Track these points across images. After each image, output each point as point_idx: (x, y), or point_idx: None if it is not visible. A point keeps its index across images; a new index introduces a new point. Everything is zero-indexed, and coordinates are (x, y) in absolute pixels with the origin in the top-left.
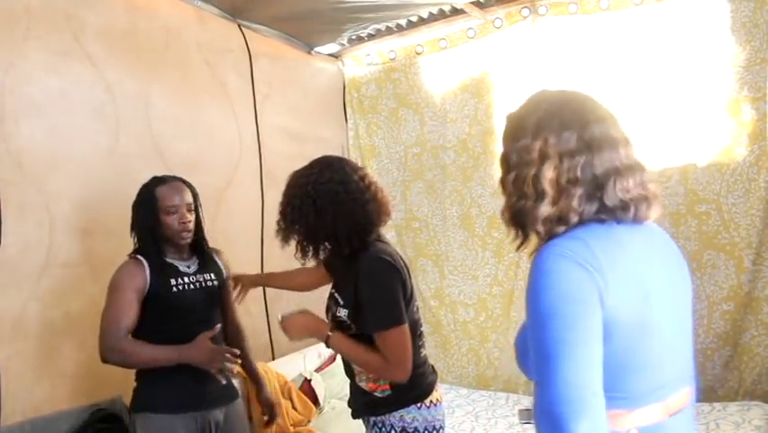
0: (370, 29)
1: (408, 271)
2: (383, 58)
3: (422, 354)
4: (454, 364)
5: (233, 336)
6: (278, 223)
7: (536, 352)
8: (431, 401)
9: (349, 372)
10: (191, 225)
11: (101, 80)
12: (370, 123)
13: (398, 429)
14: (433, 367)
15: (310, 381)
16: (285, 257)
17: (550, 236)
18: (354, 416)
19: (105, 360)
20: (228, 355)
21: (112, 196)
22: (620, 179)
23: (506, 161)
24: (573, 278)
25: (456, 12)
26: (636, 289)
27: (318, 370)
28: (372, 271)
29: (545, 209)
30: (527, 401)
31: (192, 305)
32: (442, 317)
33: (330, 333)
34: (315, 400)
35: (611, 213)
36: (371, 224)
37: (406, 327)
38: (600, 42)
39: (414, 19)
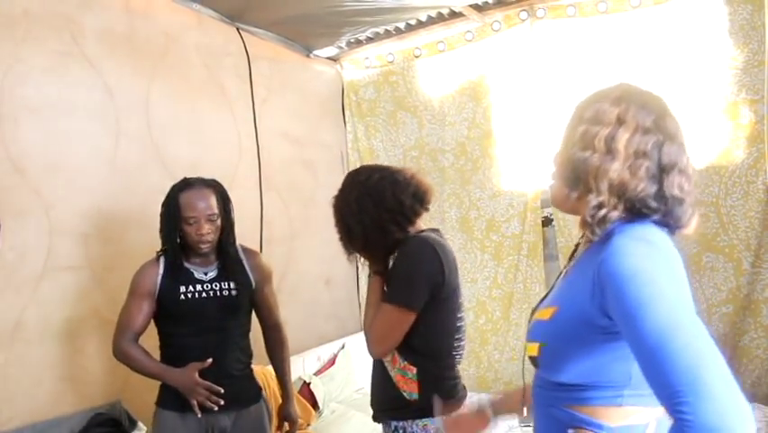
0: (369, 32)
1: (453, 269)
2: (382, 61)
3: (455, 364)
4: None
5: (270, 344)
6: (341, 240)
7: (667, 373)
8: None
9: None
10: (210, 237)
11: (100, 83)
12: (369, 126)
13: None
14: (464, 385)
15: (309, 384)
16: (284, 260)
17: (609, 206)
18: (376, 419)
19: (114, 355)
20: (206, 393)
21: (111, 200)
22: (680, 176)
23: (575, 117)
24: (675, 282)
25: (454, 15)
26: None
27: (317, 373)
28: (410, 248)
29: (616, 167)
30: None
31: (202, 313)
32: None
33: (374, 272)
34: (315, 404)
35: (665, 204)
36: (427, 191)
37: (404, 311)
38: (598, 45)
39: (412, 22)
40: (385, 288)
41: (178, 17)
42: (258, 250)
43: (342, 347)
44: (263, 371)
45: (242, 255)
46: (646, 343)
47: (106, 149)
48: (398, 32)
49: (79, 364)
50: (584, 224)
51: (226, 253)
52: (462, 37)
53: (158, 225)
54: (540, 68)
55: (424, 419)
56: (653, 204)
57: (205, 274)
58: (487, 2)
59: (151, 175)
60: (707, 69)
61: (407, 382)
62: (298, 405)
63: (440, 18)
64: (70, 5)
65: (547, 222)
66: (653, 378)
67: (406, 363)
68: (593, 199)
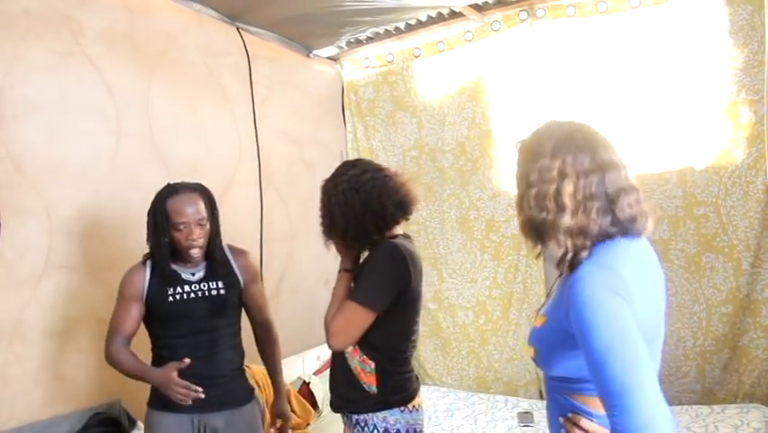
0: (369, 32)
1: (419, 277)
2: (381, 61)
3: (410, 360)
4: (454, 367)
5: (261, 341)
6: (321, 225)
7: (606, 384)
8: (413, 406)
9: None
10: (200, 242)
11: (101, 82)
12: (368, 126)
13: (381, 430)
14: (417, 376)
15: (309, 384)
16: (283, 259)
17: (575, 250)
18: (335, 409)
19: (106, 360)
20: (184, 391)
21: (112, 199)
22: (627, 196)
23: (525, 179)
24: (620, 312)
25: (454, 15)
26: (650, 301)
27: (317, 373)
28: (381, 251)
29: (566, 220)
30: (526, 404)
31: (191, 314)
32: (441, 321)
33: (344, 269)
34: (314, 404)
35: (621, 226)
36: (411, 201)
37: (366, 311)
38: (598, 45)
39: (412, 22)
40: (352, 284)
41: (179, 17)
42: (258, 249)
43: None
44: (262, 370)
45: (229, 255)
46: (592, 360)
47: (107, 148)
48: (398, 31)
49: (78, 364)
50: (559, 263)
51: (214, 255)
52: (462, 37)
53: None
54: (540, 68)
55: (383, 411)
56: (613, 230)
57: (193, 275)
58: (486, 2)
59: (152, 174)
60: (707, 70)
61: (367, 374)
62: (298, 405)
63: (440, 18)
64: (71, 5)
65: None
66: (597, 387)
67: (365, 356)
68: (558, 251)
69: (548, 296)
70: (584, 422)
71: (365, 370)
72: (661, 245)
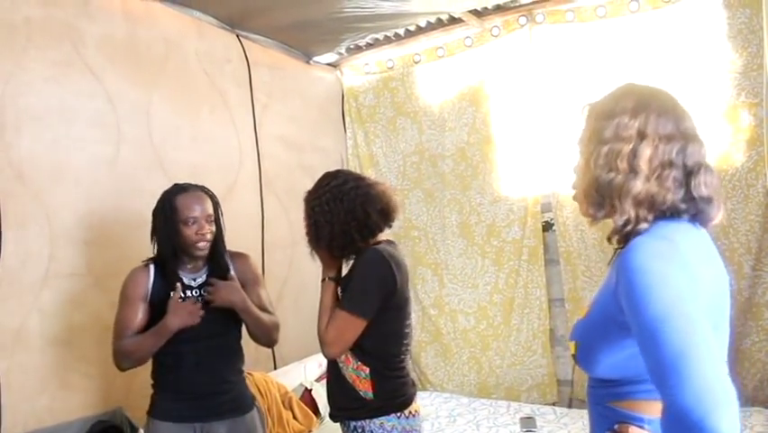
0: (369, 38)
1: (405, 281)
2: (381, 67)
3: (404, 365)
4: (455, 373)
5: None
6: (306, 235)
7: (658, 355)
8: (410, 412)
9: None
10: (209, 237)
11: (101, 90)
12: (369, 131)
13: None
14: (413, 381)
15: (311, 390)
16: (285, 266)
17: (636, 221)
18: (333, 418)
19: (118, 367)
20: (190, 307)
21: (113, 206)
22: (705, 173)
23: (596, 136)
24: (677, 279)
25: (454, 20)
26: (715, 289)
27: (319, 380)
28: (366, 259)
29: (637, 185)
30: (529, 409)
31: None
32: (442, 326)
33: (329, 278)
34: (316, 410)
35: (693, 204)
36: (394, 209)
37: (358, 319)
38: (597, 50)
39: (412, 28)
40: (339, 293)
41: (179, 24)
42: (260, 256)
43: None
44: (264, 377)
45: (228, 261)
46: (645, 330)
47: (107, 156)
48: (398, 38)
49: (81, 371)
50: (614, 235)
51: (216, 260)
52: (462, 43)
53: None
54: (539, 72)
55: (380, 418)
56: (683, 207)
57: (194, 280)
58: (486, 7)
59: (152, 181)
60: (706, 73)
61: (362, 381)
62: (300, 411)
63: (439, 24)
64: (71, 14)
65: (548, 227)
66: (647, 361)
67: (359, 363)
68: (618, 219)
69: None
70: (634, 430)
71: (360, 377)
72: None
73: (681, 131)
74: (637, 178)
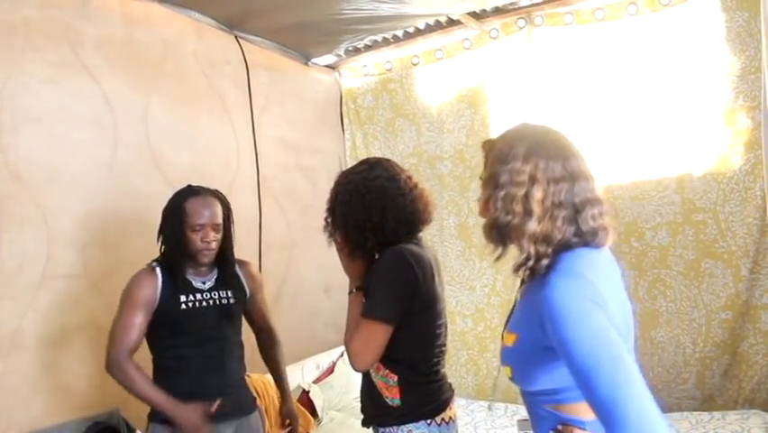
0: (367, 40)
1: (429, 277)
2: (380, 69)
3: (438, 369)
4: (453, 375)
5: (267, 347)
6: (325, 219)
7: (595, 394)
8: (443, 419)
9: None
10: (214, 245)
11: (99, 92)
12: (367, 133)
13: None
14: (450, 385)
15: (308, 392)
16: (283, 267)
17: (537, 257)
18: (365, 423)
19: (107, 371)
20: None
21: (110, 208)
22: (591, 208)
23: (493, 180)
24: (598, 319)
25: (452, 23)
26: (620, 303)
27: (316, 381)
28: (385, 261)
29: (532, 225)
30: (526, 412)
31: (202, 322)
32: None
33: (355, 289)
34: (314, 412)
35: (583, 237)
36: (419, 221)
37: (382, 325)
38: (596, 52)
39: (410, 30)
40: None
41: (177, 26)
42: (257, 257)
43: (342, 355)
44: (262, 379)
45: (237, 269)
46: (578, 371)
47: (105, 157)
48: (396, 39)
49: (77, 373)
50: (518, 269)
51: (225, 264)
52: (460, 45)
53: (156, 233)
54: (538, 75)
55: (408, 425)
56: (575, 240)
57: (203, 283)
58: (484, 10)
59: (150, 183)
60: (704, 76)
61: (389, 388)
62: (298, 413)
63: (438, 26)
64: (69, 14)
65: None
66: (587, 397)
67: (388, 370)
68: (520, 255)
69: (512, 310)
70: (576, 431)
71: (388, 384)
72: (660, 252)
73: (568, 171)
74: (532, 219)
